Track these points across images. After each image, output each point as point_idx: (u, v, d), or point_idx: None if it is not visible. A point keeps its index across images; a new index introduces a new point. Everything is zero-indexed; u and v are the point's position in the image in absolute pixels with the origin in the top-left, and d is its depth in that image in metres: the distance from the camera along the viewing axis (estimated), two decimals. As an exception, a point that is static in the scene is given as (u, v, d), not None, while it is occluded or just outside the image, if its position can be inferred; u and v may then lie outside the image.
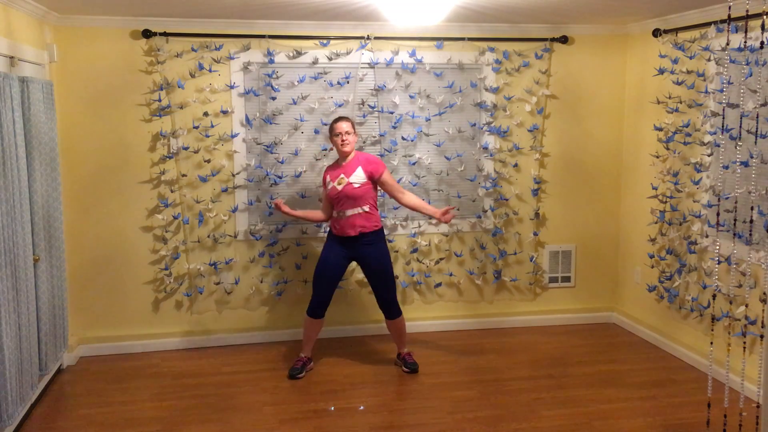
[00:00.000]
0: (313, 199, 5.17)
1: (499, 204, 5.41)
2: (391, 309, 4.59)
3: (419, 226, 5.32)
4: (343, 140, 4.43)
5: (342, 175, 4.45)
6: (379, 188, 4.58)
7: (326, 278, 4.52)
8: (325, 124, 5.09)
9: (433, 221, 5.29)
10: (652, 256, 5.15)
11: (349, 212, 4.43)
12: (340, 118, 4.51)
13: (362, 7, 4.29)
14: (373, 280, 4.56)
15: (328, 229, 4.72)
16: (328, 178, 4.51)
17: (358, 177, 4.43)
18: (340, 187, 4.43)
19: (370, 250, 4.49)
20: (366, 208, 4.45)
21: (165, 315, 5.11)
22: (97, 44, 4.78)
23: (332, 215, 4.54)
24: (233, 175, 5.06)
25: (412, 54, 5.14)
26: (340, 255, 4.51)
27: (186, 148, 4.96)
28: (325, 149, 5.14)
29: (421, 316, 5.45)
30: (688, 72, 4.70)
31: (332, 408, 4.14)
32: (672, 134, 4.86)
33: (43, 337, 4.01)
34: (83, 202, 4.88)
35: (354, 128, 4.49)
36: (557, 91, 5.39)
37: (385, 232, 5.28)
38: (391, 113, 5.18)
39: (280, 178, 5.10)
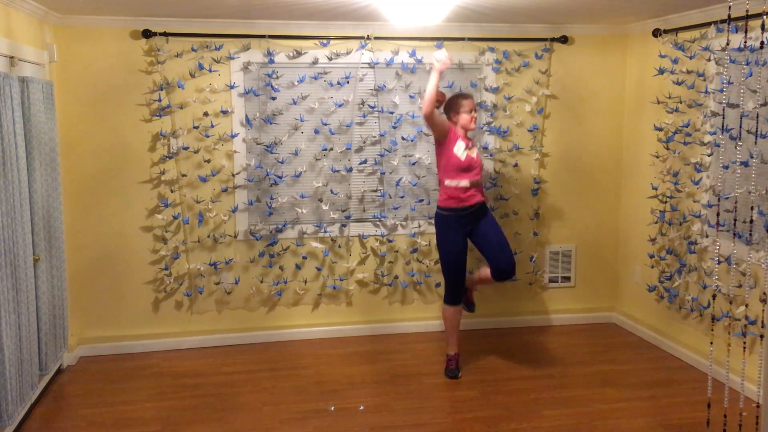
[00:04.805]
0: (313, 198, 5.17)
1: (499, 204, 5.41)
2: (512, 269, 4.45)
3: (419, 226, 5.32)
4: (473, 117, 4.35)
5: (470, 145, 4.39)
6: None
7: (461, 266, 4.48)
8: (326, 124, 5.10)
9: (433, 220, 5.29)
10: (652, 256, 5.15)
11: (479, 180, 4.41)
12: (464, 96, 4.38)
13: (362, 7, 4.29)
14: (491, 238, 4.43)
15: (438, 214, 4.47)
16: (460, 141, 4.32)
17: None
18: (474, 156, 4.36)
19: (486, 216, 4.46)
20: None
21: (165, 315, 5.11)
22: (97, 44, 4.78)
23: (461, 185, 4.34)
24: (233, 175, 5.06)
25: (412, 54, 5.14)
26: (462, 235, 4.42)
27: (186, 148, 4.96)
28: (325, 149, 5.14)
29: (422, 316, 5.45)
30: (688, 72, 4.70)
31: (332, 408, 4.14)
32: (672, 134, 4.86)
33: (43, 337, 4.01)
34: (83, 202, 4.88)
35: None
36: (557, 91, 5.39)
37: (385, 231, 5.30)
38: (391, 113, 5.18)
39: (280, 178, 5.10)
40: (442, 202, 4.44)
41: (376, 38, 5.06)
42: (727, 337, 4.12)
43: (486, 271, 4.54)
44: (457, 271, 4.50)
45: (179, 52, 4.87)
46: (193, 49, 4.89)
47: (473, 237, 4.49)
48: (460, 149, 4.33)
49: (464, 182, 4.35)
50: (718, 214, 3.41)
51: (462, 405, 4.17)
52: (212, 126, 4.98)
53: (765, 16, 2.70)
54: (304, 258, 5.23)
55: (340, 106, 5.12)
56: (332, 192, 5.19)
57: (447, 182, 4.38)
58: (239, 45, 4.94)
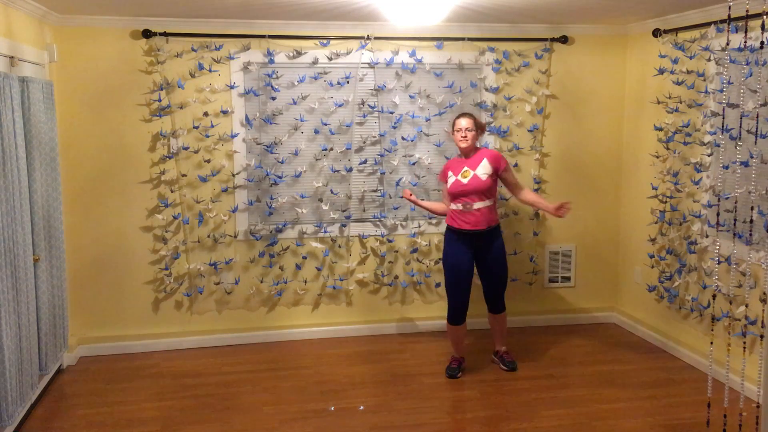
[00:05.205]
0: (313, 198, 5.18)
1: (499, 204, 5.40)
2: (498, 303, 4.65)
3: (419, 226, 5.32)
4: (463, 136, 4.41)
5: (466, 168, 4.42)
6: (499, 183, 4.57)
7: (462, 285, 4.49)
8: (326, 124, 5.10)
9: (433, 221, 5.30)
10: (652, 256, 5.15)
11: (478, 205, 4.38)
12: (461, 115, 4.49)
13: (362, 7, 4.29)
14: (489, 273, 4.54)
15: (446, 228, 4.56)
16: (450, 173, 4.47)
17: (485, 169, 4.41)
18: (465, 180, 4.39)
19: (494, 244, 4.49)
20: (492, 201, 4.45)
21: (165, 315, 5.12)
22: (97, 44, 4.78)
23: (455, 209, 4.44)
24: (233, 175, 5.06)
25: (412, 54, 5.14)
26: (468, 254, 4.46)
27: (186, 148, 4.96)
28: (325, 149, 5.14)
29: (421, 316, 5.45)
30: (688, 72, 4.70)
31: (332, 408, 4.14)
32: (672, 134, 4.86)
33: (43, 337, 4.01)
34: (83, 202, 4.88)
35: (476, 124, 4.47)
36: (557, 91, 5.39)
37: (385, 231, 5.30)
38: (391, 113, 5.18)
39: (280, 178, 5.10)
40: (447, 220, 4.55)
41: (376, 38, 5.06)
42: (727, 337, 4.12)
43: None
44: (458, 289, 4.49)
45: (179, 52, 4.87)
46: (193, 49, 4.89)
47: (477, 261, 4.53)
48: (449, 178, 4.46)
49: (456, 206, 4.42)
50: (718, 214, 3.41)
51: (462, 405, 4.17)
52: (212, 126, 4.98)
53: (765, 16, 2.70)
54: (304, 258, 5.23)
55: (340, 106, 5.12)
56: (332, 192, 5.19)
57: (451, 206, 4.50)
58: (239, 45, 4.94)
